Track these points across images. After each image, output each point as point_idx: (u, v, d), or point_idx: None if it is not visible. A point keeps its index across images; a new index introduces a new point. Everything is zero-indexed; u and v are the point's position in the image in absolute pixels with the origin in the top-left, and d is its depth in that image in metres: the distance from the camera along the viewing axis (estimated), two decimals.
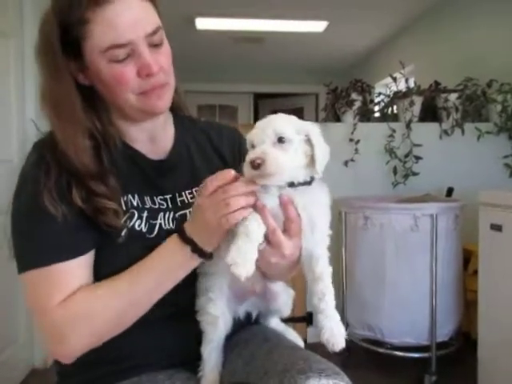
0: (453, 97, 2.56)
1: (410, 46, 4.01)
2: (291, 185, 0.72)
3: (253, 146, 0.71)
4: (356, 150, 2.52)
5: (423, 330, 2.07)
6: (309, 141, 0.71)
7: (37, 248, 0.73)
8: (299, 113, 5.78)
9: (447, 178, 2.52)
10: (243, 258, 0.66)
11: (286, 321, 3.07)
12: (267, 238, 0.71)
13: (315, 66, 5.20)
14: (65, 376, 0.84)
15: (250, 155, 0.69)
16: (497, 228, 1.71)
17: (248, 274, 0.66)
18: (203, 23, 3.88)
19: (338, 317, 0.74)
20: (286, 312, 0.90)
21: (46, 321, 0.73)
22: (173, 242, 0.74)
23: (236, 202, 0.68)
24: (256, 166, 0.67)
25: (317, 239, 0.73)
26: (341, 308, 2.35)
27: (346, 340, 2.66)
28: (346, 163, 2.54)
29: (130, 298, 0.73)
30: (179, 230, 0.73)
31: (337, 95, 2.56)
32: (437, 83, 2.68)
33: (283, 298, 0.87)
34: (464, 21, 3.15)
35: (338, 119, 2.64)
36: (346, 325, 2.33)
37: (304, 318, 2.65)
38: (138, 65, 0.74)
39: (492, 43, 2.83)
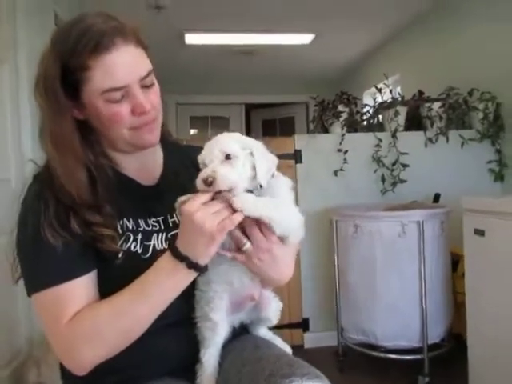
0: (436, 106, 2.65)
1: (395, 55, 4.11)
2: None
3: (204, 165, 0.79)
4: (345, 159, 2.60)
5: (415, 333, 2.14)
6: (252, 155, 0.80)
7: (42, 272, 0.80)
8: (290, 122, 5.88)
9: (434, 184, 2.61)
10: None
11: (283, 327, 3.08)
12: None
13: (305, 77, 5.31)
14: None
15: (202, 174, 0.77)
16: (480, 233, 1.78)
17: None
18: (192, 38, 3.97)
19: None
20: (275, 320, 0.96)
21: (56, 340, 0.79)
22: (166, 261, 0.78)
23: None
24: (209, 183, 0.75)
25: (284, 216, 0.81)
26: (335, 313, 2.41)
27: (342, 344, 2.72)
28: (335, 173, 2.62)
29: (133, 315, 0.78)
30: (171, 249, 0.78)
31: (324, 107, 2.65)
32: (420, 93, 2.77)
33: (274, 305, 0.94)
34: (448, 30, 3.25)
35: (326, 130, 2.72)
36: (341, 329, 2.39)
37: (300, 324, 2.72)
38: (133, 104, 0.81)
39: (474, 53, 2.92)
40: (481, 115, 2.59)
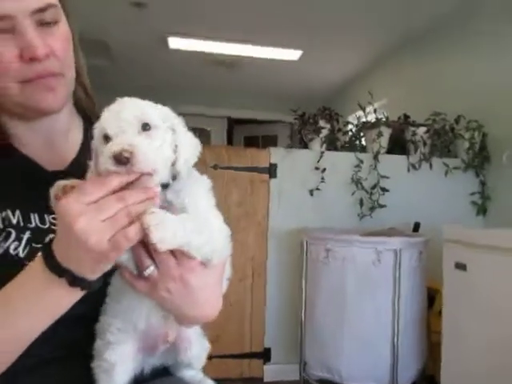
0: (421, 131, 2.53)
1: (383, 79, 4.03)
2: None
3: (106, 138, 0.55)
4: (322, 178, 2.43)
5: (384, 373, 1.93)
6: (173, 131, 0.59)
7: None
8: (273, 140, 5.73)
9: (414, 212, 2.45)
10: None
11: (242, 356, 2.80)
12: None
13: (290, 95, 5.18)
14: None
15: (113, 147, 0.52)
16: (461, 267, 1.62)
17: None
18: (176, 42, 3.81)
19: None
20: (199, 365, 0.74)
21: None
22: (38, 273, 0.55)
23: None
24: (124, 161, 0.51)
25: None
26: (299, 345, 2.19)
27: (304, 379, 2.43)
28: (311, 192, 2.45)
29: None
30: (46, 257, 0.55)
31: (304, 121, 2.49)
32: (406, 116, 2.65)
33: (197, 348, 0.71)
34: (436, 55, 3.18)
35: (305, 146, 2.56)
36: (304, 364, 2.17)
37: (261, 354, 2.48)
38: (21, 45, 0.60)
39: (461, 79, 2.84)
40: (466, 144, 2.47)
